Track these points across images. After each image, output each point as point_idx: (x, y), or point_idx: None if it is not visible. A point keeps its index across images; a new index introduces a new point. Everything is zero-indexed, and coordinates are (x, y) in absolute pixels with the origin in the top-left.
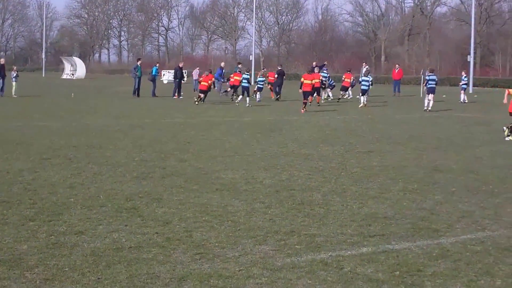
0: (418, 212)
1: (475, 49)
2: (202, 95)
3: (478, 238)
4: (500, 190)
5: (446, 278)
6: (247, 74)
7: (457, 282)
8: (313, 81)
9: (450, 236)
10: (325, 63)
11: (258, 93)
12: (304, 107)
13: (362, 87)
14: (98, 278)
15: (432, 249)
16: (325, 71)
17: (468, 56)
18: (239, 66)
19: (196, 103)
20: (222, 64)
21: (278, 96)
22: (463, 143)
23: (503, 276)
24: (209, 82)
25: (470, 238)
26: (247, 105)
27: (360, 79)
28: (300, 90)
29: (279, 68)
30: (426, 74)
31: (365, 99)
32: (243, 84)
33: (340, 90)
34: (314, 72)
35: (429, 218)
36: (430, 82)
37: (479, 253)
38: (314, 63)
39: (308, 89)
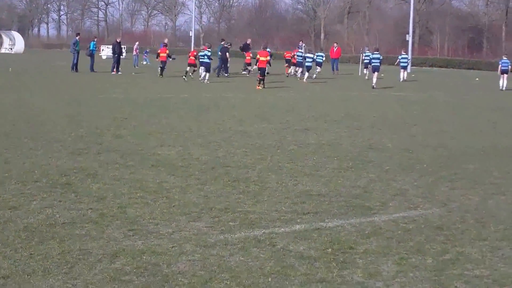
0: (352, 190)
1: (414, 28)
2: (188, 69)
3: (411, 217)
4: (433, 169)
5: (378, 256)
6: (208, 51)
7: (389, 260)
8: (268, 58)
9: (383, 214)
10: (248, 41)
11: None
12: (260, 83)
13: (306, 64)
14: (31, 254)
15: (365, 227)
16: (300, 51)
17: (407, 35)
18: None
19: (191, 76)
20: (166, 40)
21: (219, 73)
22: (399, 121)
23: (434, 254)
24: (195, 55)
25: (402, 216)
26: (206, 81)
27: (304, 56)
28: (255, 67)
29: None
30: (365, 51)
31: (307, 76)
32: (202, 60)
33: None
34: (267, 49)
35: (362, 196)
36: (374, 60)
37: (411, 231)
38: (248, 40)
39: (264, 65)
